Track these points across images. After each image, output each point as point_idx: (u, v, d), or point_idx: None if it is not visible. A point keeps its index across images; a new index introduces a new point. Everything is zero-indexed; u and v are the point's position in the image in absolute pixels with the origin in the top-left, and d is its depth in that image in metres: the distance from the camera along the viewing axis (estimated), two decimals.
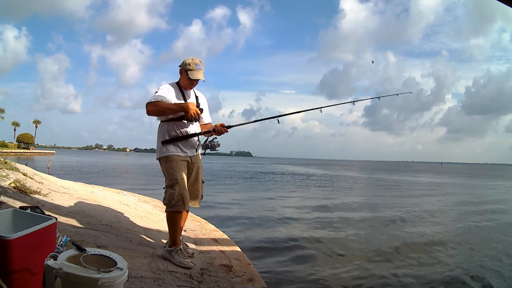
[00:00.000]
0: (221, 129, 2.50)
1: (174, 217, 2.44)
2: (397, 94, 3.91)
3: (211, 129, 2.57)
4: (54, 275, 1.25)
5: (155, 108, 2.38)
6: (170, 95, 2.47)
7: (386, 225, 7.09)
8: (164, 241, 2.83)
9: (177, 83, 2.60)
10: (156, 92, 2.46)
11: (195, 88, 2.65)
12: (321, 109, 2.93)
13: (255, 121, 2.79)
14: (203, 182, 2.70)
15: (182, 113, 2.45)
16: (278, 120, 2.64)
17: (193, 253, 2.67)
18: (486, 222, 7.67)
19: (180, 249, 2.47)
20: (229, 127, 2.53)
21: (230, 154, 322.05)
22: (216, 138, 2.58)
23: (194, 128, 2.57)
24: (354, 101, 3.48)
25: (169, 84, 2.56)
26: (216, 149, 2.57)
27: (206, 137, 2.60)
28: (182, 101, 2.50)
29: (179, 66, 2.55)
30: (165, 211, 2.48)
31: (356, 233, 6.19)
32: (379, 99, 3.84)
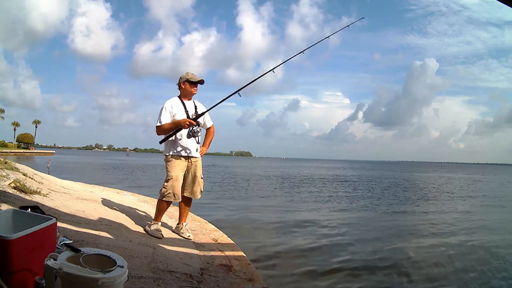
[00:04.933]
0: (190, 123, 2.93)
1: (162, 204, 3.08)
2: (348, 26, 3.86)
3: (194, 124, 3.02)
4: (54, 275, 1.25)
5: (160, 131, 3.01)
6: (174, 110, 3.02)
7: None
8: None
9: (179, 96, 3.13)
10: (160, 111, 3.00)
11: (196, 99, 3.20)
12: (274, 69, 3.23)
13: (217, 104, 3.04)
14: (201, 178, 3.19)
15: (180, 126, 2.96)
16: (239, 94, 2.99)
17: (189, 236, 3.21)
18: None
19: (157, 224, 3.12)
20: (195, 119, 2.97)
21: (230, 154, 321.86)
22: (194, 127, 3.02)
23: (192, 140, 3.05)
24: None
25: (172, 99, 3.09)
26: (198, 135, 3.10)
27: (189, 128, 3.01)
28: (183, 112, 3.03)
29: (178, 82, 3.11)
30: (158, 199, 3.12)
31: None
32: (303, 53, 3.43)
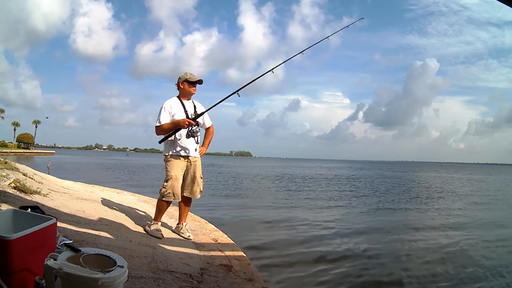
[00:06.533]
0: (189, 123, 2.93)
1: (162, 204, 3.09)
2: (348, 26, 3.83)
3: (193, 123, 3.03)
4: (54, 275, 1.25)
5: (159, 131, 3.01)
6: (173, 110, 3.02)
7: None
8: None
9: (178, 97, 3.14)
10: (160, 111, 3.01)
11: (195, 99, 3.22)
12: (273, 70, 3.21)
13: (216, 104, 3.03)
14: (201, 178, 3.18)
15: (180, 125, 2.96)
16: (238, 94, 2.98)
17: (189, 236, 3.22)
18: None
19: (157, 224, 3.13)
20: (194, 119, 2.98)
21: (230, 154, 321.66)
22: (193, 127, 3.04)
23: (191, 140, 3.06)
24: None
25: (171, 99, 3.10)
26: (197, 134, 3.11)
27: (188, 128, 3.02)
28: (182, 112, 3.03)
29: (177, 82, 3.11)
30: (158, 199, 3.12)
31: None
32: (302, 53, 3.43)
